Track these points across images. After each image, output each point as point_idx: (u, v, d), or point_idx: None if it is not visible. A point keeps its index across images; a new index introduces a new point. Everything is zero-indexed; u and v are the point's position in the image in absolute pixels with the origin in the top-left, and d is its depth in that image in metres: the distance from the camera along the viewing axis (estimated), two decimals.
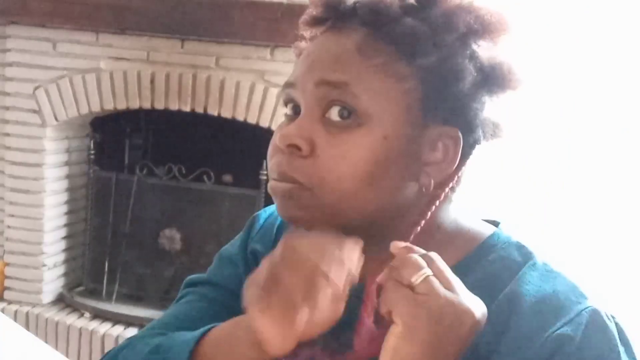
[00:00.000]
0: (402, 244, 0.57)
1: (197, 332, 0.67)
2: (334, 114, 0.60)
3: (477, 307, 0.53)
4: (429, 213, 0.63)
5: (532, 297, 0.59)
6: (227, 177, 2.53)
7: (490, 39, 0.63)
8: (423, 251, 0.56)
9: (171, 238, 2.59)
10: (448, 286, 0.52)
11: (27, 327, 2.47)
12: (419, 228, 0.63)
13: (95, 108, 2.46)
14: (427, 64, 0.60)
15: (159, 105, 2.40)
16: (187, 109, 2.38)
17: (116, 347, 0.74)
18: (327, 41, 0.63)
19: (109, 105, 2.44)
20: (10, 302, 2.61)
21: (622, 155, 2.24)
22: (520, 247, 0.64)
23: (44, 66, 2.47)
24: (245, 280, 0.57)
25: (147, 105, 2.41)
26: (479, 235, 0.66)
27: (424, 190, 0.62)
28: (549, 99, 2.29)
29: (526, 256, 0.63)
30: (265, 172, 2.37)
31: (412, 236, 0.62)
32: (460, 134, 0.61)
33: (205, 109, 2.36)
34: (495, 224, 0.69)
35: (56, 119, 2.49)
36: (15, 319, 2.48)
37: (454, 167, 0.62)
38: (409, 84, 0.60)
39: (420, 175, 0.62)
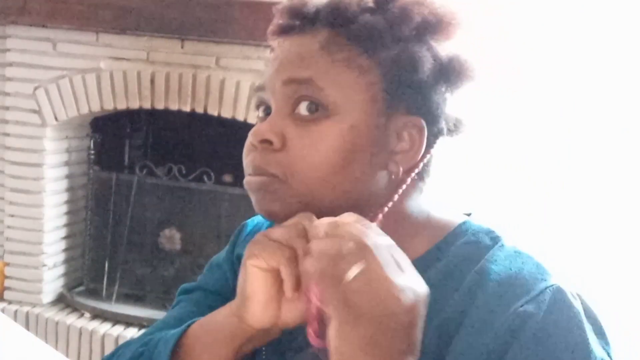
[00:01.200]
0: (354, 216, 0.56)
1: (181, 327, 0.72)
2: (303, 108, 0.63)
3: (414, 290, 0.52)
4: (396, 196, 0.65)
5: (498, 275, 0.61)
6: (227, 177, 2.53)
7: (445, 33, 0.66)
8: (371, 226, 0.56)
9: (171, 238, 2.59)
10: (381, 276, 0.51)
11: (27, 327, 2.47)
12: (385, 209, 0.64)
13: (95, 108, 2.46)
14: (388, 56, 0.64)
15: (159, 105, 2.40)
16: (187, 109, 2.38)
17: (109, 353, 0.79)
18: (293, 43, 0.67)
19: (109, 105, 2.44)
20: (10, 302, 2.61)
21: (622, 155, 2.24)
22: (489, 232, 0.67)
23: (44, 66, 2.47)
24: (233, 284, 0.62)
25: (147, 105, 2.41)
26: (449, 224, 0.68)
27: (392, 177, 0.65)
28: (549, 99, 2.29)
29: (495, 240, 0.65)
30: None
31: (377, 220, 0.63)
32: (424, 123, 0.65)
33: (205, 109, 2.36)
34: (468, 215, 0.72)
35: (56, 119, 2.49)
36: (15, 319, 2.48)
37: (420, 156, 0.65)
38: (372, 76, 0.63)
39: (389, 164, 0.65)
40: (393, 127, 0.64)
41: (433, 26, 0.66)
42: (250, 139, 0.66)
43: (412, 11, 0.64)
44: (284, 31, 0.70)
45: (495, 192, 2.29)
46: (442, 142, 0.68)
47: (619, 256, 2.21)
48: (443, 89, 0.66)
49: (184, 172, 2.50)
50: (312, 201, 0.63)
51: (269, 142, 0.64)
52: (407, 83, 0.64)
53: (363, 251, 0.52)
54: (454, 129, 0.68)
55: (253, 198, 0.66)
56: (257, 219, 0.85)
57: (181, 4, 2.29)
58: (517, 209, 2.30)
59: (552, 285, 0.60)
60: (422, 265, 0.64)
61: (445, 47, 0.66)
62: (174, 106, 2.39)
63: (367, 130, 0.63)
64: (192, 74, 2.36)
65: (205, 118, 2.39)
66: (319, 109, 0.63)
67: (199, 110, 2.37)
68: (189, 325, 0.72)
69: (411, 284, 0.52)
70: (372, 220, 0.60)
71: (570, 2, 2.24)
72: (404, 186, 0.65)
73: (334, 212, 0.62)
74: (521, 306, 0.58)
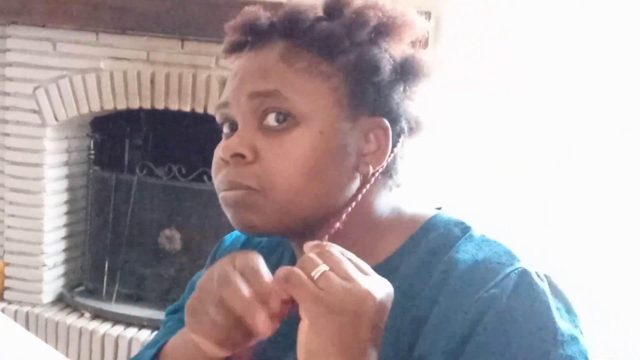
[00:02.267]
0: (312, 243, 0.58)
1: (160, 344, 0.74)
2: (272, 119, 0.64)
3: (379, 290, 0.54)
4: (359, 196, 0.66)
5: (465, 264, 0.62)
6: None
7: (398, 34, 0.68)
8: (331, 245, 0.57)
9: (171, 238, 2.59)
10: (345, 276, 0.53)
11: (27, 327, 2.47)
12: (349, 209, 0.65)
13: (95, 108, 2.46)
14: (348, 60, 0.65)
15: (159, 105, 2.40)
16: (187, 109, 2.38)
17: None
18: (251, 58, 0.68)
19: (109, 105, 2.44)
20: (10, 302, 2.61)
21: (622, 155, 2.24)
22: (458, 224, 0.68)
23: (44, 66, 2.47)
24: None
25: (147, 105, 2.42)
26: (420, 218, 0.69)
27: (361, 179, 0.66)
28: (549, 99, 2.29)
29: (464, 231, 0.66)
30: None
31: (342, 218, 0.65)
32: (387, 123, 0.66)
33: (205, 109, 2.36)
34: (439, 209, 0.73)
35: (56, 119, 2.49)
36: (15, 319, 2.48)
37: (387, 155, 0.67)
38: (334, 81, 0.65)
39: (359, 166, 0.66)
40: (359, 130, 0.66)
41: (387, 28, 0.67)
42: (221, 154, 0.66)
43: (367, 15, 0.66)
44: (239, 48, 0.70)
45: (494, 192, 2.29)
46: (406, 141, 0.69)
47: (619, 256, 2.21)
48: (401, 89, 0.67)
49: (184, 172, 2.50)
50: (290, 210, 0.64)
51: (241, 156, 0.64)
52: (369, 85, 0.65)
53: (323, 256, 0.55)
54: (415, 127, 0.69)
55: (229, 213, 0.67)
56: (235, 234, 0.85)
57: (181, 4, 2.29)
58: (517, 209, 2.30)
59: (518, 268, 0.60)
60: (395, 261, 0.66)
61: (397, 48, 0.68)
62: (174, 106, 2.39)
63: (336, 135, 0.64)
64: (192, 74, 2.36)
65: (205, 118, 2.39)
66: (287, 119, 0.63)
67: (199, 110, 2.37)
68: (163, 345, 0.74)
69: (376, 282, 0.55)
70: (335, 222, 0.64)
71: (570, 2, 2.24)
72: (368, 186, 0.66)
73: (312, 218, 0.65)
74: (487, 291, 0.59)
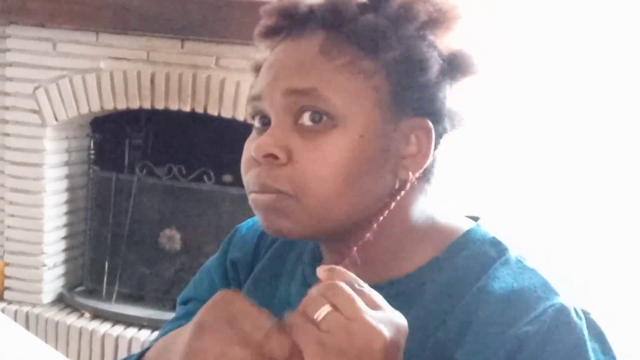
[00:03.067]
0: (325, 267, 0.52)
1: (148, 345, 0.71)
2: (306, 119, 0.59)
3: (389, 327, 0.49)
4: (392, 204, 0.61)
5: (500, 293, 0.58)
6: (227, 177, 2.53)
7: (447, 28, 0.63)
8: (344, 273, 0.52)
9: (171, 238, 2.59)
10: (351, 315, 0.48)
11: (27, 327, 2.47)
12: (381, 218, 0.61)
13: (95, 108, 2.46)
14: (392, 57, 0.60)
15: (159, 105, 2.40)
16: (187, 109, 2.38)
17: None
18: (288, 48, 0.63)
19: (109, 105, 2.44)
20: (10, 302, 2.61)
21: (622, 155, 2.24)
22: (495, 244, 0.63)
23: (44, 66, 2.47)
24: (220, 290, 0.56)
25: (147, 105, 2.41)
26: (455, 231, 0.65)
27: (399, 184, 0.61)
28: (549, 99, 2.29)
29: (500, 252, 0.62)
30: None
31: (374, 227, 0.61)
32: (431, 124, 0.61)
33: (205, 109, 2.36)
34: (475, 219, 0.68)
35: (56, 119, 2.49)
36: (15, 319, 2.48)
37: (429, 159, 0.62)
38: (376, 79, 0.60)
39: (399, 170, 0.61)
40: (400, 132, 0.61)
41: (437, 22, 0.62)
42: (252, 153, 0.61)
43: (415, 8, 0.61)
44: (273, 33, 0.66)
45: (495, 192, 2.29)
46: (446, 141, 0.65)
47: (619, 256, 2.21)
48: (447, 87, 0.63)
49: (184, 172, 2.50)
50: (323, 217, 0.60)
51: (274, 157, 0.59)
52: (414, 84, 0.61)
53: (330, 292, 0.49)
54: (457, 124, 0.65)
55: (259, 216, 0.63)
56: (253, 220, 0.80)
57: (181, 4, 2.29)
58: (516, 209, 2.29)
59: (556, 304, 0.57)
60: (421, 276, 0.62)
61: (445, 42, 0.63)
62: (174, 106, 2.39)
63: (376, 138, 0.60)
64: (192, 74, 2.36)
65: (205, 118, 2.39)
66: (324, 119, 0.59)
67: (199, 110, 2.37)
68: (148, 348, 0.70)
69: (387, 318, 0.50)
70: (365, 233, 0.60)
71: (570, 2, 2.24)
72: (402, 192, 0.62)
73: (345, 224, 0.61)
74: (522, 327, 0.55)
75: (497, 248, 0.63)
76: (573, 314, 0.57)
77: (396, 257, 0.64)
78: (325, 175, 0.59)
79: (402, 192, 0.61)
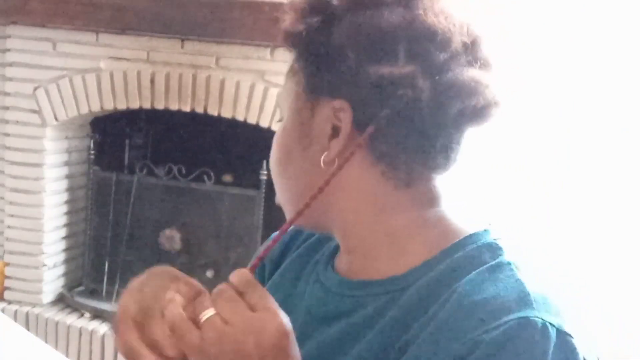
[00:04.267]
0: (237, 271, 0.54)
1: None
2: None
3: (262, 329, 0.50)
4: (322, 186, 0.60)
5: (469, 298, 0.56)
6: (227, 177, 2.53)
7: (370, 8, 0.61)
8: (243, 274, 0.54)
9: (171, 238, 2.59)
10: (227, 319, 0.50)
11: (27, 327, 2.47)
12: (306, 203, 0.61)
13: (95, 108, 2.46)
14: (303, 50, 0.64)
15: (159, 105, 2.40)
16: (187, 109, 2.38)
17: None
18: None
19: (109, 105, 2.44)
20: (10, 302, 2.61)
21: (622, 155, 2.24)
22: (492, 249, 0.61)
23: (44, 66, 2.47)
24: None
25: (147, 105, 2.41)
26: (459, 233, 0.63)
27: (323, 166, 0.62)
28: (549, 99, 2.29)
29: (493, 257, 0.60)
30: (265, 172, 2.37)
31: (301, 207, 0.60)
32: (348, 105, 0.60)
33: (205, 109, 2.36)
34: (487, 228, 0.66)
35: (56, 119, 2.49)
36: (15, 319, 2.48)
37: (344, 140, 0.61)
38: (298, 75, 0.65)
39: (323, 154, 0.62)
40: (319, 117, 0.63)
41: (359, 4, 0.61)
42: None
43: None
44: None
45: (494, 192, 2.29)
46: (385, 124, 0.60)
47: (619, 256, 2.21)
48: (375, 65, 0.59)
49: (184, 172, 2.50)
50: (282, 201, 0.70)
51: None
52: (324, 68, 0.62)
53: (216, 295, 0.52)
54: (402, 105, 0.59)
55: None
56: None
57: (181, 4, 2.29)
58: (516, 209, 2.29)
59: (521, 317, 0.53)
60: (415, 275, 0.61)
61: (376, 22, 0.60)
62: (174, 106, 2.39)
63: (294, 128, 0.65)
64: (192, 74, 2.36)
65: (205, 118, 2.39)
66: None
67: (199, 110, 2.37)
68: None
69: (263, 320, 0.51)
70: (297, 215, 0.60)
71: (570, 2, 2.24)
72: (332, 175, 0.60)
73: (294, 208, 0.65)
74: (477, 335, 0.53)
75: (492, 253, 0.61)
76: (539, 331, 0.53)
77: (380, 259, 0.64)
78: (270, 167, 0.70)
79: (332, 175, 0.60)
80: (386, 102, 0.59)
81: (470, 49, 0.62)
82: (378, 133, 0.60)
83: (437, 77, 0.59)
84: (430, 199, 0.65)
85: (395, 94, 0.59)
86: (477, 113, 0.62)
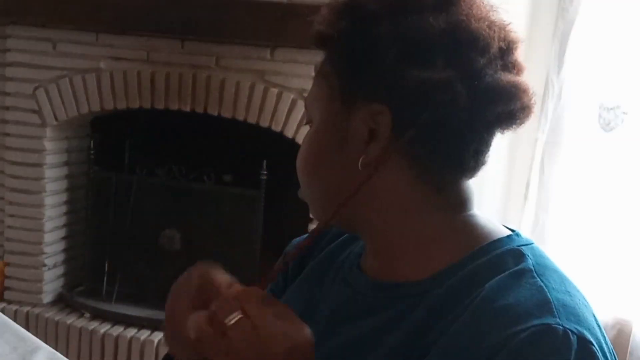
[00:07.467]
0: (246, 288, 0.56)
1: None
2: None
3: (289, 337, 0.52)
4: (356, 190, 0.61)
5: (490, 304, 0.56)
6: (227, 177, 2.53)
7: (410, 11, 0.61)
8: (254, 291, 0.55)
9: (171, 238, 2.59)
10: (261, 323, 0.51)
11: (27, 327, 2.47)
12: (337, 207, 0.62)
13: (95, 108, 2.46)
14: (338, 52, 0.64)
15: (159, 105, 2.40)
16: (187, 109, 2.38)
17: None
18: None
19: (109, 105, 2.44)
20: (10, 302, 2.61)
21: (622, 155, 2.24)
22: (517, 255, 0.61)
23: (44, 66, 2.47)
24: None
25: (147, 105, 2.41)
26: (485, 238, 0.64)
27: (360, 168, 0.62)
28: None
29: (516, 264, 0.60)
30: (265, 172, 2.37)
31: (333, 212, 0.62)
32: (387, 109, 0.60)
33: (205, 109, 2.36)
34: (516, 233, 0.66)
35: (56, 119, 2.49)
36: (15, 319, 2.48)
37: (384, 145, 0.61)
38: (331, 78, 0.65)
39: (359, 158, 0.62)
40: (354, 121, 0.62)
41: (397, 8, 0.61)
42: None
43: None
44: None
45: (494, 192, 2.29)
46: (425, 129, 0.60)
47: (619, 256, 2.21)
48: (410, 72, 0.59)
49: (184, 172, 2.50)
50: (311, 203, 0.70)
51: None
52: (361, 71, 0.62)
53: (244, 297, 0.53)
54: (439, 108, 0.59)
55: None
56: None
57: (181, 4, 2.29)
58: (516, 209, 2.30)
59: (542, 323, 0.53)
60: (440, 279, 0.61)
61: (414, 25, 0.60)
62: (174, 106, 2.39)
63: (327, 130, 0.65)
64: (192, 74, 2.36)
65: (205, 118, 2.39)
66: (310, 124, 0.68)
67: (199, 110, 2.37)
68: None
69: (289, 329, 0.52)
70: (330, 218, 0.62)
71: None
72: (368, 180, 0.61)
73: (324, 208, 0.66)
74: (496, 340, 0.53)
75: (516, 259, 0.60)
76: (560, 338, 0.52)
77: (418, 258, 0.64)
78: (298, 166, 0.68)
79: (368, 179, 0.61)
80: (425, 106, 0.59)
81: (506, 53, 0.63)
82: (416, 137, 0.60)
83: (475, 82, 0.60)
84: (459, 203, 0.65)
85: (435, 99, 0.59)
86: (513, 117, 0.63)
